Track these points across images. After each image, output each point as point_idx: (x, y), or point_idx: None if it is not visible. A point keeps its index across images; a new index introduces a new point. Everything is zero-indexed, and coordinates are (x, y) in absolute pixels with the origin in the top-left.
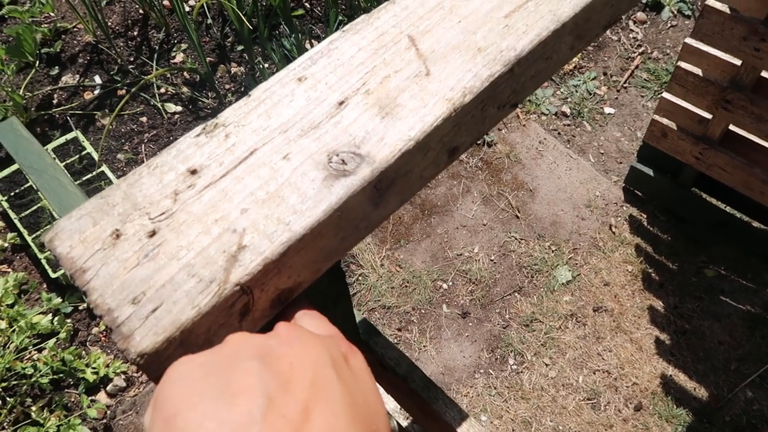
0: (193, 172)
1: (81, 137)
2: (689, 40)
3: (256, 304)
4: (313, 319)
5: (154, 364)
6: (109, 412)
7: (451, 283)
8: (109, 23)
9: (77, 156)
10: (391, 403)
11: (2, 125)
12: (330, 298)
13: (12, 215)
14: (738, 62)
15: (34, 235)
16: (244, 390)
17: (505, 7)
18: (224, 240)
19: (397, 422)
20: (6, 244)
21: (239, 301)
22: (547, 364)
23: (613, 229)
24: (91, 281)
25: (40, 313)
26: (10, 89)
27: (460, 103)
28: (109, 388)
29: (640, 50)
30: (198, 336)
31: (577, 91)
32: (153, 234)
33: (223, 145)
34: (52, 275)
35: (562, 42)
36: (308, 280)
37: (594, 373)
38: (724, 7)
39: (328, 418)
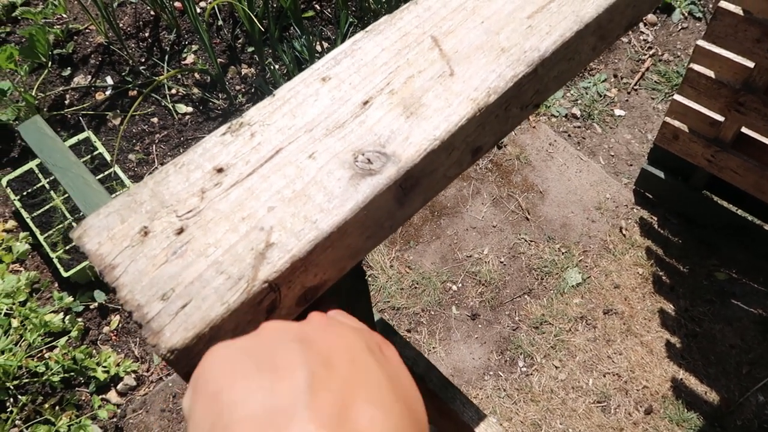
0: (220, 170)
1: (93, 137)
2: (701, 42)
3: (283, 301)
4: (343, 315)
5: (184, 360)
6: (119, 411)
7: (460, 285)
8: (121, 24)
9: (89, 156)
10: None
11: (26, 124)
12: (352, 297)
13: (24, 214)
14: (751, 64)
15: (46, 235)
16: (288, 365)
17: (527, 7)
18: (252, 238)
19: None
20: (19, 244)
21: (267, 298)
22: (556, 367)
23: (624, 232)
24: (120, 277)
25: (51, 312)
26: (23, 89)
27: (485, 103)
28: (119, 386)
29: (651, 52)
30: (226, 332)
31: (587, 93)
32: (181, 231)
33: (248, 144)
34: (64, 274)
35: (585, 42)
36: (334, 278)
37: (604, 376)
38: (737, 9)
39: (373, 393)
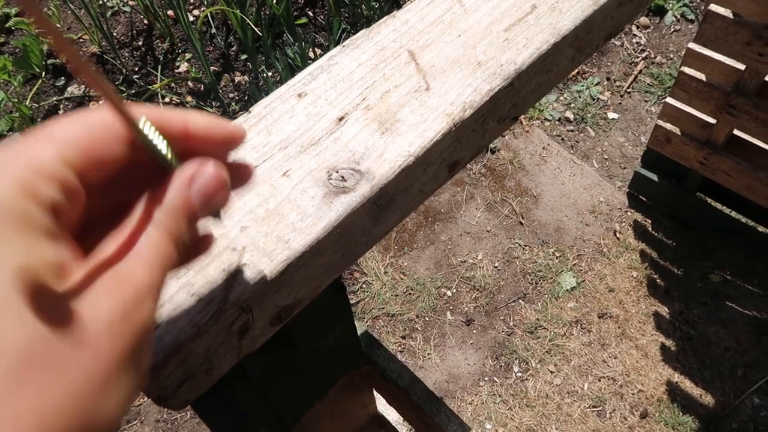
0: None
1: None
2: (692, 45)
3: (256, 321)
4: None
5: (155, 383)
6: None
7: (455, 290)
8: (114, 34)
9: None
10: (393, 415)
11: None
12: (331, 312)
13: None
14: (742, 67)
15: None
16: None
17: (505, 20)
18: (224, 258)
19: None
20: None
21: (239, 319)
22: (552, 372)
23: (618, 235)
24: None
25: None
26: (16, 100)
27: (460, 118)
28: None
29: (644, 55)
30: (198, 354)
31: (580, 97)
32: None
33: None
34: None
35: (563, 55)
36: (309, 296)
37: (599, 380)
38: (727, 12)
39: None
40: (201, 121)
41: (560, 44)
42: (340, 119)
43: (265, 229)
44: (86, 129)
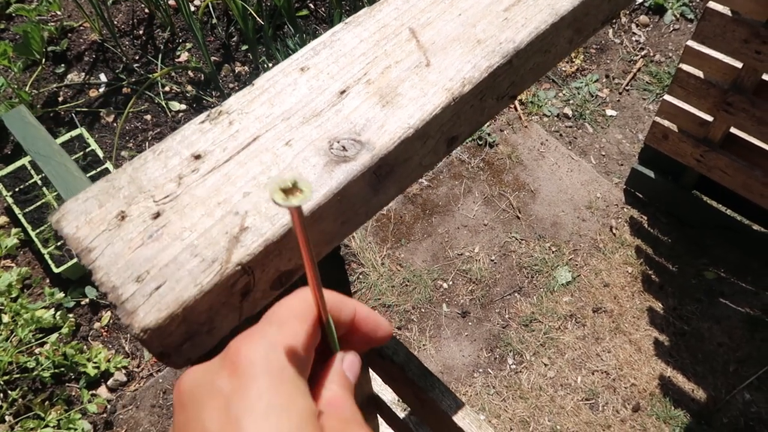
0: (197, 157)
1: (86, 134)
2: (691, 43)
3: (258, 284)
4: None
5: (157, 340)
6: (109, 406)
7: (451, 283)
8: (115, 22)
9: (81, 153)
10: (388, 395)
11: (11, 113)
12: (330, 285)
13: (17, 210)
14: (739, 65)
15: (38, 230)
16: None
17: (504, 0)
18: (227, 222)
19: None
20: (9, 239)
21: (240, 280)
22: (545, 364)
23: (614, 231)
24: (96, 260)
25: (42, 308)
26: (16, 86)
27: (459, 93)
28: (109, 382)
29: (643, 53)
30: (200, 313)
31: (579, 93)
32: (157, 216)
33: (226, 132)
34: (55, 270)
35: (561, 35)
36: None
37: (593, 374)
38: (725, 10)
39: None
40: (365, 313)
41: (558, 25)
42: (342, 92)
43: (268, 195)
44: (308, 319)
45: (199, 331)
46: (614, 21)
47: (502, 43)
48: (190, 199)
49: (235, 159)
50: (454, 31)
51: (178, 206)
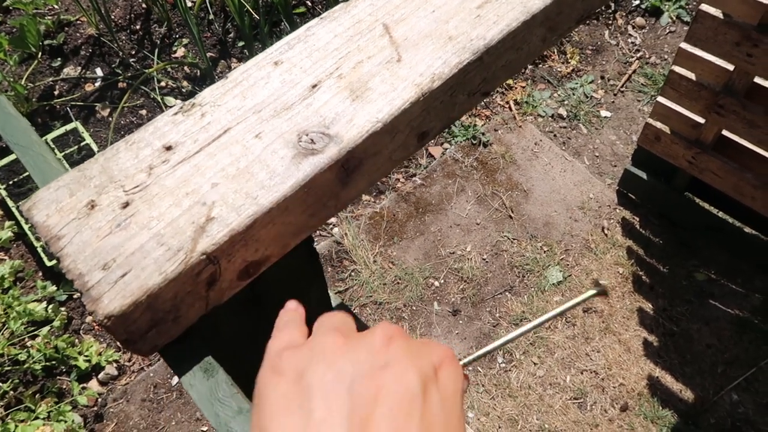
0: (168, 148)
1: (81, 128)
2: (684, 45)
3: (224, 274)
4: (403, 339)
5: (122, 326)
6: (100, 399)
7: (442, 281)
8: (112, 16)
9: (76, 147)
10: None
11: None
12: (304, 279)
13: (10, 203)
14: (731, 67)
15: (31, 224)
16: (328, 419)
17: None
18: (194, 212)
19: None
20: (4, 233)
21: (206, 270)
22: (535, 363)
23: (606, 231)
24: (65, 248)
25: (34, 301)
26: (12, 79)
27: (429, 89)
28: (100, 376)
29: (638, 55)
30: (165, 301)
31: (574, 94)
32: (126, 205)
33: (198, 124)
34: (48, 264)
35: (533, 33)
36: (276, 254)
37: (581, 373)
38: (717, 12)
39: None
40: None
41: (530, 23)
42: (314, 86)
43: (235, 186)
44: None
45: (165, 319)
46: (611, 23)
47: (473, 40)
48: (159, 189)
49: (205, 150)
50: (426, 28)
51: (147, 196)
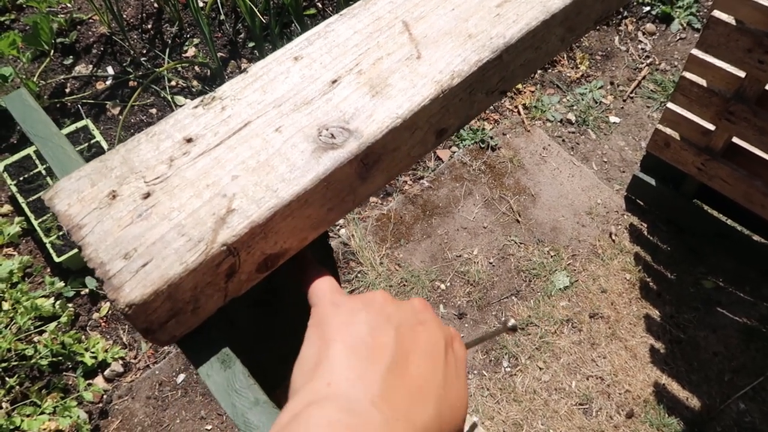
0: (189, 140)
1: (91, 126)
2: (695, 51)
3: (243, 266)
4: (428, 309)
5: (142, 315)
6: (105, 396)
7: (449, 284)
8: (124, 16)
9: (86, 144)
10: None
11: (12, 96)
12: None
13: (20, 199)
14: (742, 74)
15: (40, 220)
16: (381, 348)
17: None
18: (214, 203)
19: None
20: (12, 228)
21: (226, 261)
22: (540, 368)
23: (613, 237)
24: (86, 237)
25: (42, 296)
26: (24, 76)
27: (448, 86)
28: (106, 372)
29: (648, 61)
30: (185, 291)
31: (583, 99)
32: (147, 196)
33: (218, 117)
34: (56, 260)
35: (552, 33)
36: (295, 247)
37: (587, 379)
38: (730, 19)
39: (428, 395)
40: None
41: (549, 22)
42: (333, 82)
43: (255, 179)
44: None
45: (184, 310)
46: (621, 29)
47: (492, 38)
48: (179, 181)
49: (225, 143)
50: (446, 25)
51: (168, 187)
